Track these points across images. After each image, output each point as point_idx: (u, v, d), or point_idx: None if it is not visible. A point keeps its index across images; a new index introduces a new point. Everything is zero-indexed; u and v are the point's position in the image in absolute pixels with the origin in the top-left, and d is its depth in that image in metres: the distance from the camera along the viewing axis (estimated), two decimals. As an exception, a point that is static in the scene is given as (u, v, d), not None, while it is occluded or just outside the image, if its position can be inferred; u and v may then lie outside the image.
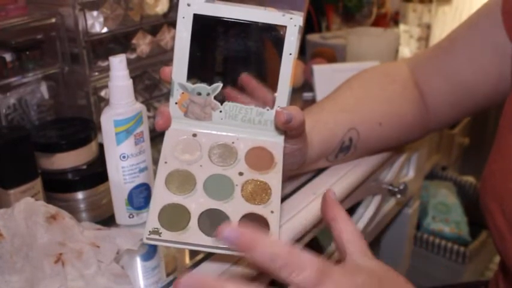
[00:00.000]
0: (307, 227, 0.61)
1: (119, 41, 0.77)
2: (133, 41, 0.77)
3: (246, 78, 0.49)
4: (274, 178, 0.49)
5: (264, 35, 0.48)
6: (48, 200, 0.59)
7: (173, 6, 0.79)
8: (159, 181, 0.47)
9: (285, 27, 0.47)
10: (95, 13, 0.71)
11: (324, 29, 1.28)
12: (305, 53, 1.15)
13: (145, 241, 0.44)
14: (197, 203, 0.46)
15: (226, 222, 0.45)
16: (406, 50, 1.29)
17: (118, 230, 0.55)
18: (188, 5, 0.47)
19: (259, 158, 0.50)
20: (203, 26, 0.47)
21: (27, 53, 0.70)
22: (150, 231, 0.44)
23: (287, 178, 0.65)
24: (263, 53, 0.48)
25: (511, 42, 0.58)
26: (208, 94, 0.49)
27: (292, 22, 0.47)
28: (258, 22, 0.47)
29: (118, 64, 0.52)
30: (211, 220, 0.45)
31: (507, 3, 0.59)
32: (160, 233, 0.44)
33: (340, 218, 0.41)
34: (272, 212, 0.46)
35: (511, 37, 0.58)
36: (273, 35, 0.48)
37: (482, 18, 0.63)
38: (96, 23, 0.71)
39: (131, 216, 0.56)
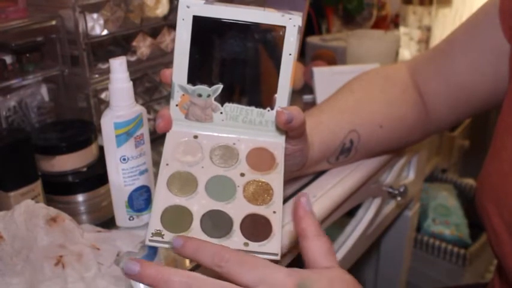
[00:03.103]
0: (307, 229, 0.61)
1: (119, 43, 0.77)
2: (134, 43, 0.77)
3: None
4: (275, 178, 0.48)
5: (264, 35, 0.48)
6: (49, 202, 0.59)
7: (173, 8, 0.79)
8: (161, 183, 0.47)
9: (284, 27, 0.47)
10: (95, 15, 0.71)
11: (324, 31, 1.28)
12: (305, 55, 1.15)
13: (148, 243, 0.44)
14: (199, 204, 0.46)
15: (228, 222, 0.45)
16: (406, 53, 1.29)
17: (118, 232, 0.55)
18: (188, 6, 0.47)
19: (260, 158, 0.50)
20: (203, 27, 0.47)
21: (28, 55, 0.70)
22: (152, 233, 0.44)
23: (288, 180, 0.65)
24: (263, 54, 0.48)
25: (509, 42, 0.58)
26: (208, 96, 0.49)
27: (291, 22, 0.47)
28: (257, 23, 0.47)
29: (118, 66, 0.52)
30: (214, 221, 0.45)
31: (504, 3, 0.59)
32: (163, 234, 0.44)
33: (309, 234, 0.42)
34: (274, 212, 0.46)
35: (508, 37, 0.58)
36: (273, 35, 0.47)
37: (479, 19, 0.63)
38: (97, 25, 0.71)
39: (131, 218, 0.56)
